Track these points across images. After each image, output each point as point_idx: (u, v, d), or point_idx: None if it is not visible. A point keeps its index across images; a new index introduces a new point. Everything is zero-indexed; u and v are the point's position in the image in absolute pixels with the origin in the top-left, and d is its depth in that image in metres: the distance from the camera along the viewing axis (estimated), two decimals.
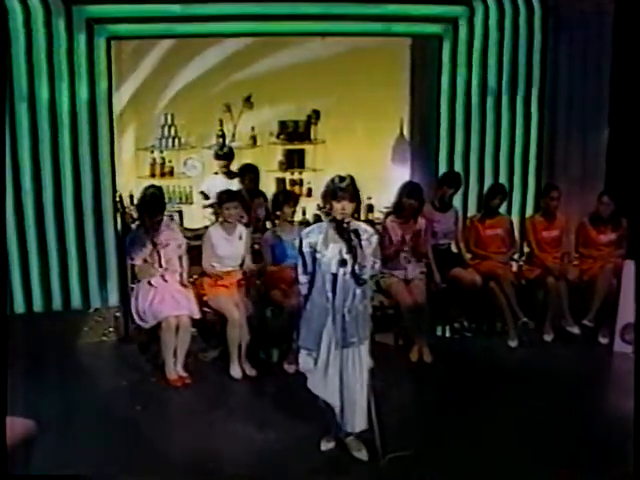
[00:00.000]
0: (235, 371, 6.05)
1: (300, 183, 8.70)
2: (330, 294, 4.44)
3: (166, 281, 6.09)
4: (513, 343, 6.63)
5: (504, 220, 7.09)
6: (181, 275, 6.20)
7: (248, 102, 8.33)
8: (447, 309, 6.89)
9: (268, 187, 8.04)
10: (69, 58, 6.43)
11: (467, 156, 7.40)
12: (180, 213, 8.14)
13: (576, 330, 6.70)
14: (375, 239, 4.48)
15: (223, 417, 5.33)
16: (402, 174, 7.63)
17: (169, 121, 8.35)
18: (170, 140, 8.35)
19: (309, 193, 8.49)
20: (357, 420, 4.58)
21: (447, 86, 7.23)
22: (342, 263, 4.38)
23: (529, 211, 7.47)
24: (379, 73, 7.81)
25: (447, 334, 6.92)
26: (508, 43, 7.24)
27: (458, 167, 7.34)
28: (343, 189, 4.33)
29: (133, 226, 6.57)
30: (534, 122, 7.42)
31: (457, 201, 7.24)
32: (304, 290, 4.57)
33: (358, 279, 4.41)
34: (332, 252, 4.40)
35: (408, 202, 6.36)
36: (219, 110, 8.30)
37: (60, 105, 6.48)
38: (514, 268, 7.13)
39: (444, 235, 6.96)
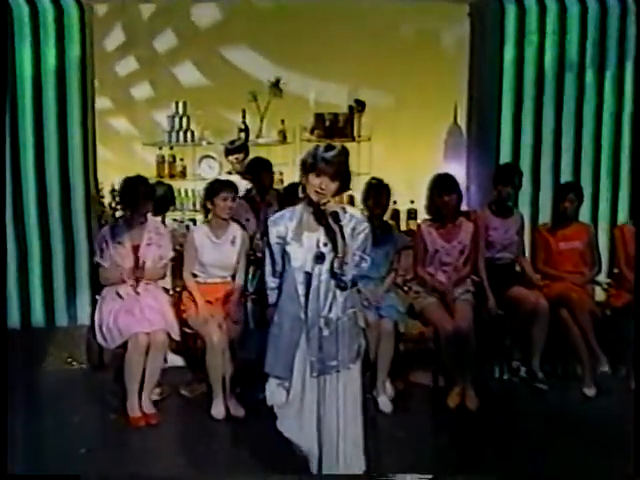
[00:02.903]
0: (217, 410, 5.52)
1: None
2: (303, 300, 3.96)
3: (138, 293, 5.66)
4: (590, 391, 5.91)
5: (583, 230, 6.33)
6: (157, 287, 5.78)
7: (276, 87, 7.85)
8: (503, 343, 6.21)
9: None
10: (32, 19, 6.16)
11: (537, 148, 6.77)
12: (194, 222, 7.74)
13: None
14: (365, 228, 3.97)
15: (184, 466, 4.87)
16: (456, 172, 6.93)
17: (180, 110, 7.92)
18: (182, 134, 7.93)
19: (351, 201, 7.77)
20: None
21: (512, 59, 6.66)
22: (318, 258, 3.91)
23: (621, 219, 6.81)
24: (431, 51, 7.63)
25: (505, 375, 6.22)
26: (594, 2, 6.59)
27: (526, 163, 6.73)
28: (328, 161, 3.84)
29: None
30: (628, 104, 6.75)
31: (525, 205, 6.70)
32: (272, 298, 4.12)
33: (339, 281, 3.91)
34: (307, 244, 3.94)
35: (441, 200, 5.86)
36: (242, 98, 7.82)
37: (21, 75, 6.17)
38: (598, 294, 6.52)
39: (503, 247, 6.27)
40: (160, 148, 7.97)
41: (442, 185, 5.86)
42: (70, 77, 6.23)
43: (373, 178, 5.92)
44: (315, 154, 3.86)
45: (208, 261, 5.68)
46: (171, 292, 5.92)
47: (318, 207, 3.86)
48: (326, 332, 3.93)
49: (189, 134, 7.90)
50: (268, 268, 4.07)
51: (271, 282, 4.08)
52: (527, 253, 6.41)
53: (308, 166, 3.87)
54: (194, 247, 5.68)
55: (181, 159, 8.01)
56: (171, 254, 5.80)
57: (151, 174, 7.78)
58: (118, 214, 6.58)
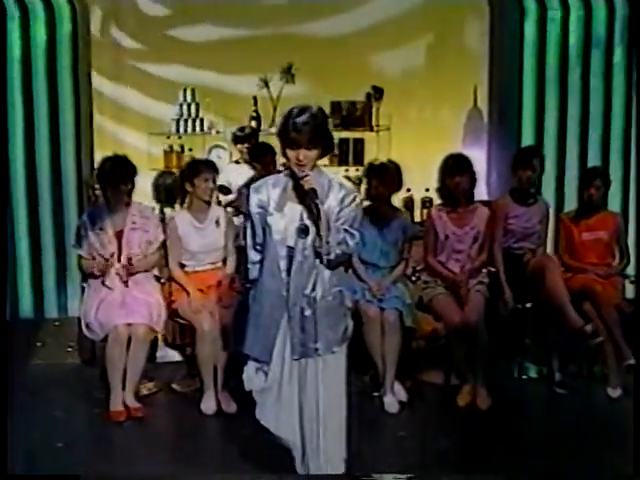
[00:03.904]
0: (207, 404, 5.36)
1: (359, 182, 7.74)
2: (284, 276, 3.79)
3: (125, 282, 5.46)
4: (615, 392, 5.62)
5: (610, 219, 6.03)
6: (145, 277, 5.57)
7: (288, 73, 7.68)
8: (522, 339, 5.98)
9: None
10: None
11: (562, 131, 6.61)
12: None
13: None
14: (355, 199, 3.80)
15: (163, 465, 4.71)
16: (476, 158, 6.65)
17: (189, 98, 7.82)
18: (190, 122, 7.82)
19: None
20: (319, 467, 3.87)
21: (533, 37, 6.53)
22: (302, 232, 3.74)
23: None
24: (449, 31, 7.63)
25: (524, 375, 5.97)
26: None
27: (550, 147, 6.59)
28: (299, 128, 3.63)
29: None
30: None
31: (549, 192, 6.54)
32: (254, 273, 3.94)
33: (323, 258, 3.74)
34: (290, 215, 3.76)
35: (452, 180, 5.61)
36: (253, 85, 7.71)
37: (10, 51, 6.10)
38: (629, 290, 6.18)
39: (524, 237, 6.00)
40: (167, 137, 7.83)
41: (453, 165, 5.63)
42: (61, 55, 6.19)
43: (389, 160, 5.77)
44: (286, 121, 3.64)
45: (195, 248, 5.53)
46: (163, 280, 5.72)
47: (298, 181, 3.67)
48: (308, 312, 3.75)
49: (198, 122, 7.77)
50: (249, 240, 3.89)
51: (252, 255, 3.89)
52: (550, 243, 6.19)
53: (284, 137, 3.67)
54: (178, 237, 5.52)
55: (190, 149, 7.85)
56: (161, 238, 5.56)
57: (158, 164, 7.69)
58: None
